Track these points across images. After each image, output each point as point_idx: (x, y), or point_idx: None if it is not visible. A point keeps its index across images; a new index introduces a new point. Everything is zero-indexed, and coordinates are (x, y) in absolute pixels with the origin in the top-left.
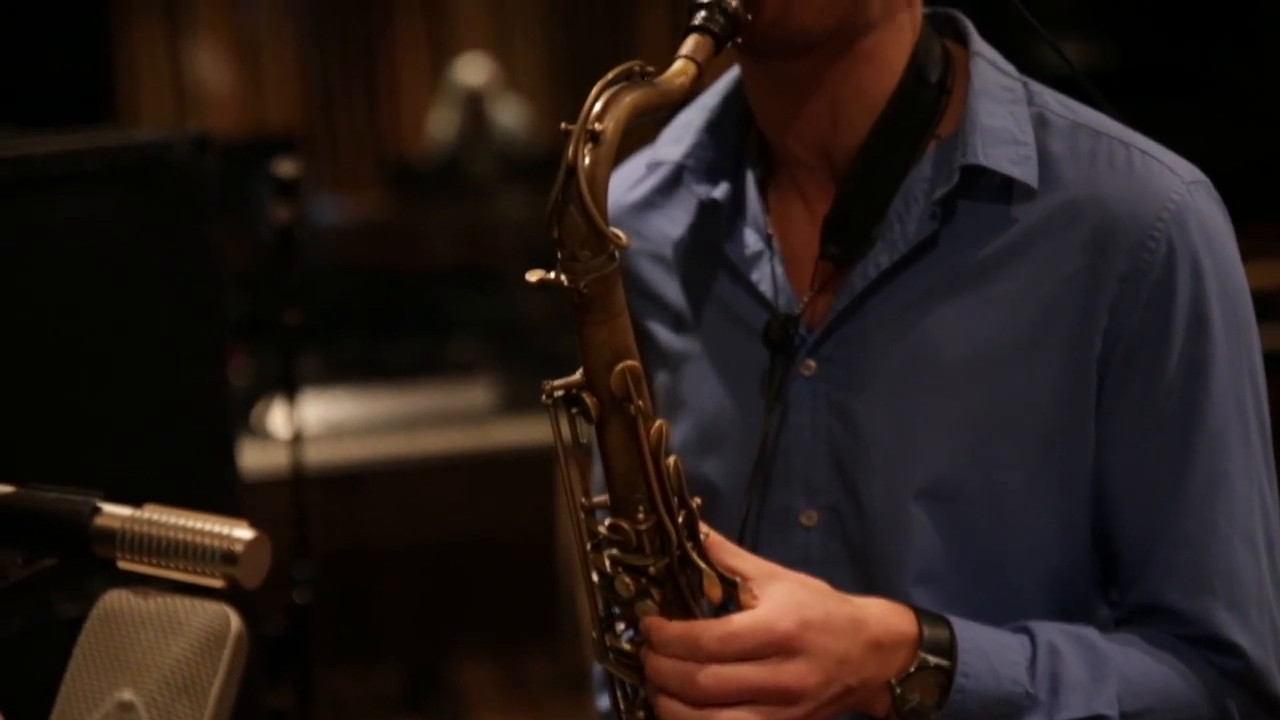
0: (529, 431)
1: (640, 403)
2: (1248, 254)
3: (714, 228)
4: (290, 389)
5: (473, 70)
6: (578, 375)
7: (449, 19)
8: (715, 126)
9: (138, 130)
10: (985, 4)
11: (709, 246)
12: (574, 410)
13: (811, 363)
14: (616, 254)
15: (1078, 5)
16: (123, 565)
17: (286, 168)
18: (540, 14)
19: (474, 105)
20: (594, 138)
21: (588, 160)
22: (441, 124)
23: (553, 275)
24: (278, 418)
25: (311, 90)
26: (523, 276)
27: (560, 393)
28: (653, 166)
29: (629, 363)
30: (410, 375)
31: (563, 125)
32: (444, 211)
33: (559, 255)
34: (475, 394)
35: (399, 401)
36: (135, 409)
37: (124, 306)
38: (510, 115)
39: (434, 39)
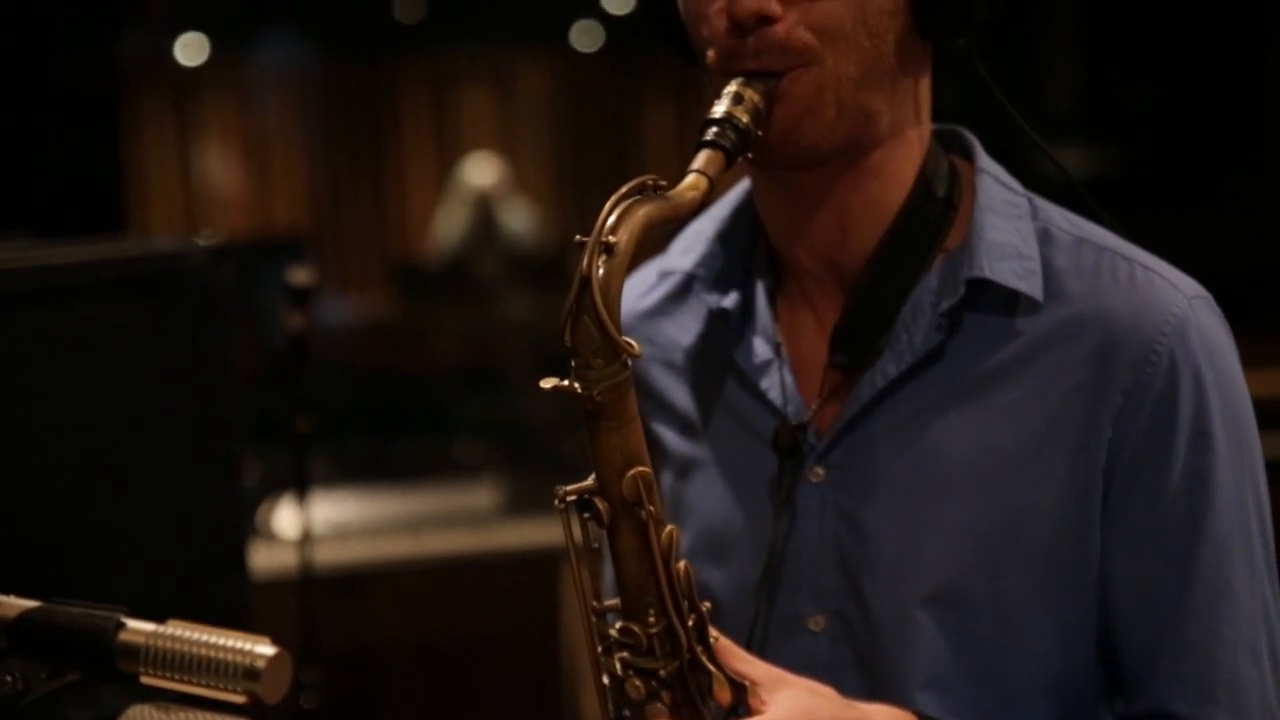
0: (533, 533)
1: (651, 508)
2: (1249, 363)
3: (724, 336)
4: (301, 494)
5: (480, 171)
6: (590, 480)
7: (456, 121)
8: (726, 236)
9: (156, 239)
10: (986, 113)
11: (719, 354)
12: (586, 515)
13: (820, 470)
14: (629, 362)
15: (1079, 113)
16: (145, 680)
17: (301, 275)
18: (547, 117)
19: (481, 206)
20: (608, 249)
21: (601, 271)
22: (448, 225)
23: (566, 383)
24: (284, 518)
25: (319, 191)
26: (528, 378)
27: (572, 497)
28: (664, 275)
29: (640, 469)
30: (415, 476)
31: (577, 237)
32: (450, 312)
33: (572, 363)
34: (480, 496)
35: (404, 503)
36: (151, 517)
37: (141, 415)
38: (517, 217)
39: (441, 140)
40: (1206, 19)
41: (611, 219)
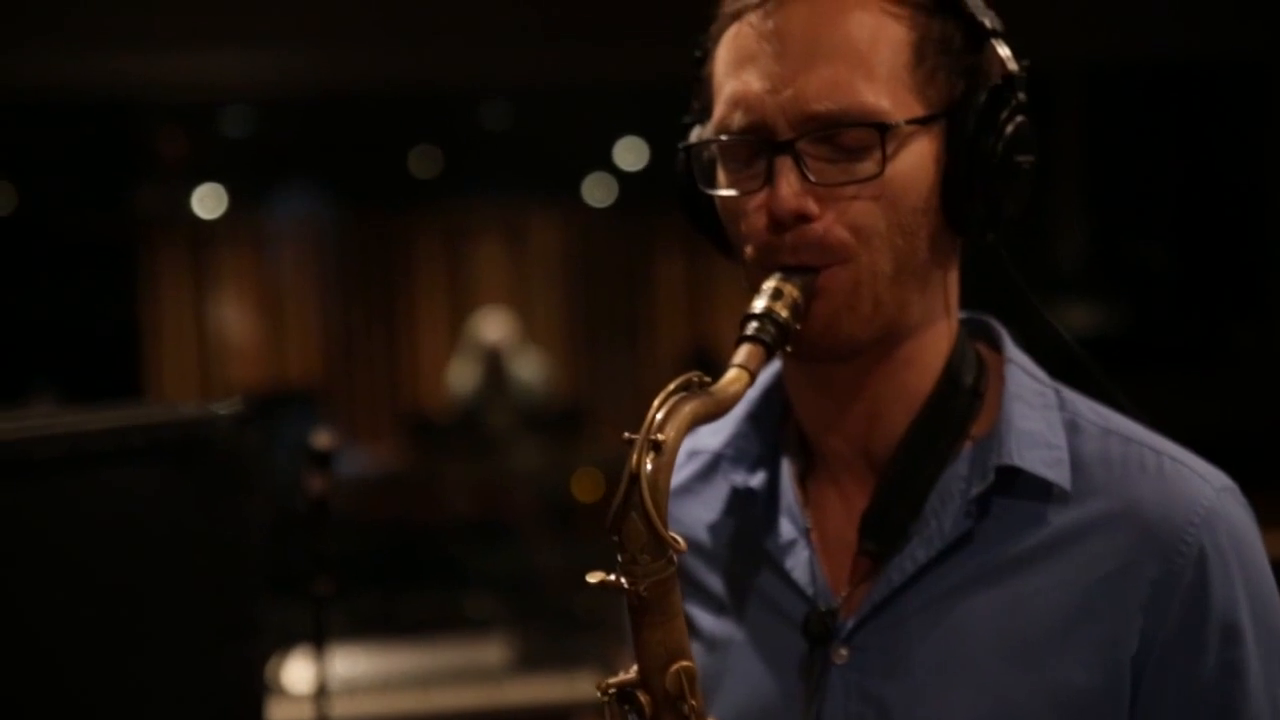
0: (545, 690)
1: (694, 702)
2: (1262, 523)
3: (751, 516)
4: (319, 653)
5: (490, 325)
6: (632, 673)
7: (470, 273)
8: (755, 417)
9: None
10: (987, 274)
11: (745, 534)
12: (627, 708)
13: (844, 651)
14: (675, 559)
15: (1087, 271)
16: None
17: (323, 439)
18: (559, 269)
19: (491, 360)
20: (656, 447)
21: (650, 468)
22: (460, 378)
23: (612, 577)
24: (295, 673)
25: (332, 341)
26: (539, 531)
27: (614, 690)
28: (692, 454)
29: (684, 663)
30: (425, 630)
31: (625, 435)
32: (461, 464)
33: (619, 558)
34: (491, 651)
35: (414, 658)
36: (170, 678)
37: (162, 578)
38: (528, 369)
39: (455, 292)
40: (1212, 179)
41: (659, 416)
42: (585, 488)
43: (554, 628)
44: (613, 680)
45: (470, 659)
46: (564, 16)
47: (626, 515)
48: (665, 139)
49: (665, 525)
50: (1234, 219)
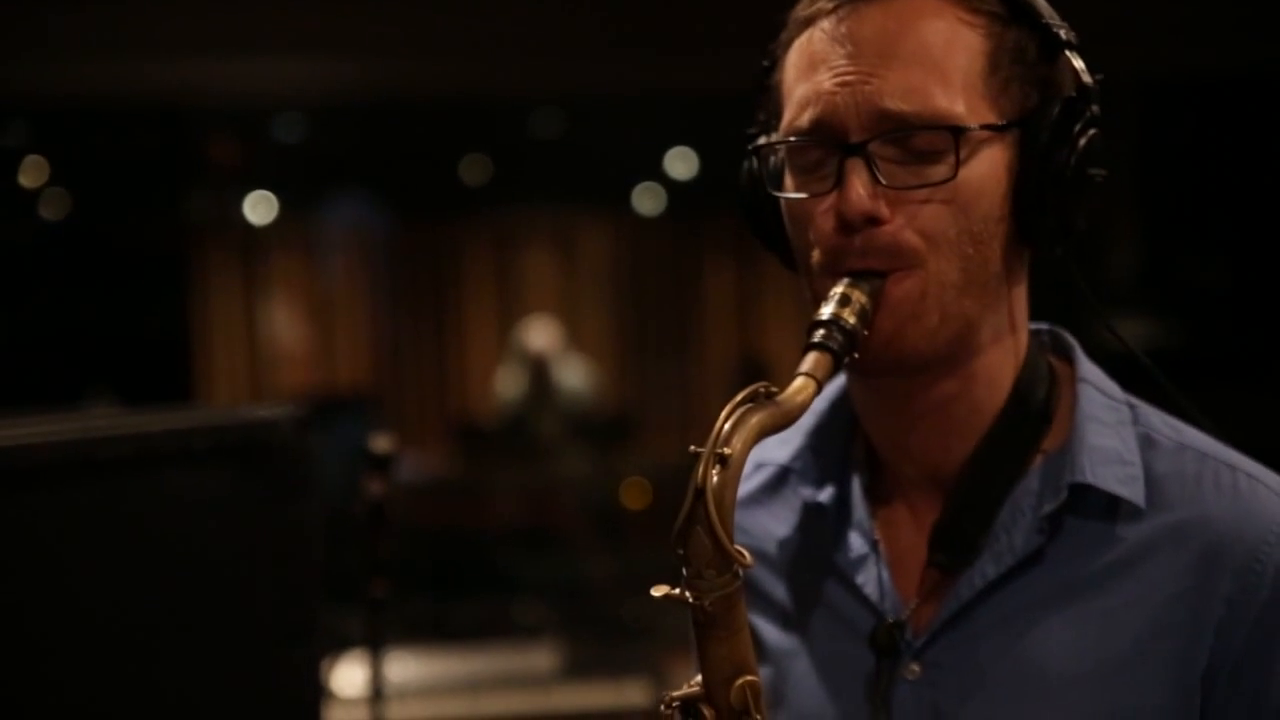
0: (593, 696)
1: (759, 717)
2: None
3: (819, 530)
4: (375, 658)
5: (535, 333)
6: (696, 686)
7: (518, 281)
8: (822, 431)
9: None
10: (1049, 281)
11: (814, 548)
12: None
13: (916, 667)
14: (740, 573)
15: (1143, 286)
16: None
17: (382, 443)
18: (608, 278)
19: (539, 367)
20: (722, 460)
21: (716, 481)
22: (508, 385)
23: (678, 591)
24: (346, 677)
25: (381, 348)
26: (587, 538)
27: (678, 703)
28: (760, 466)
29: (749, 678)
30: (475, 636)
31: (691, 448)
32: (509, 471)
33: (684, 572)
34: (539, 657)
35: (463, 664)
36: (228, 685)
37: (223, 581)
38: (575, 376)
39: (503, 300)
40: (1269, 194)
41: (726, 428)
42: (634, 496)
43: (602, 635)
44: (677, 694)
45: (519, 665)
46: (616, 26)
47: (692, 529)
48: (715, 149)
49: (731, 540)
50: None
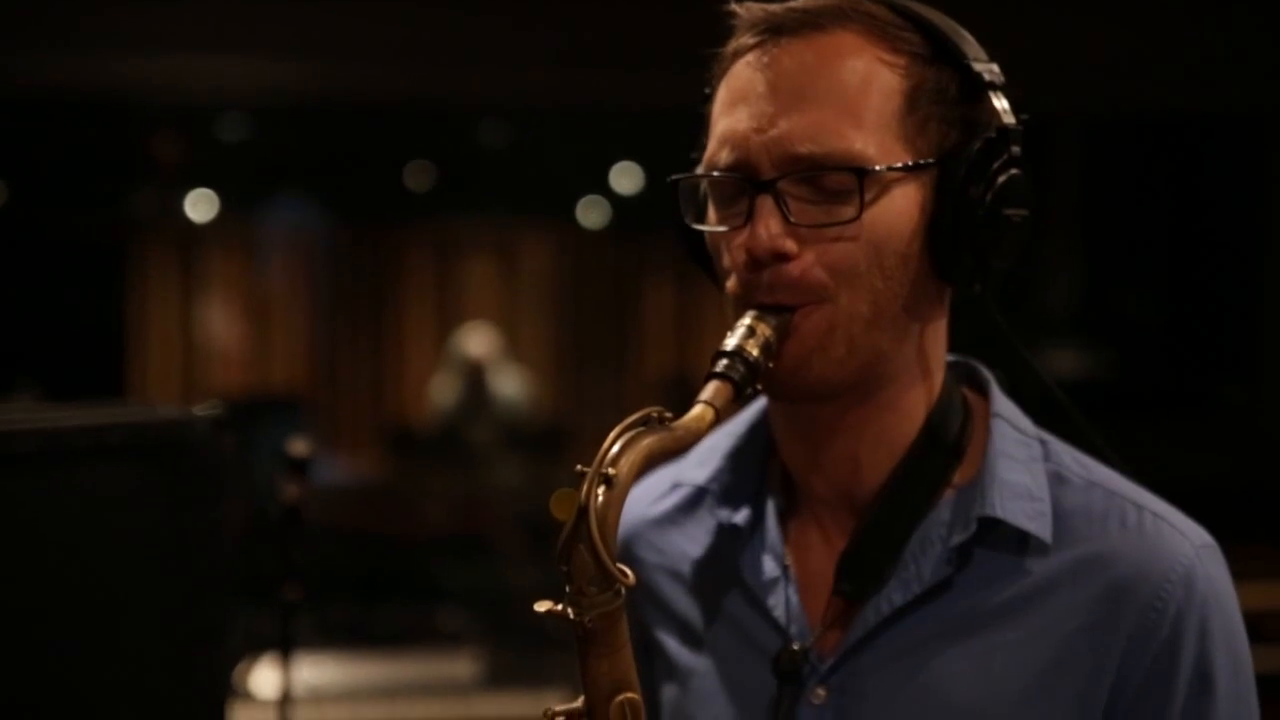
0: (513, 706)
1: None
2: (1241, 575)
3: (732, 551)
4: (285, 659)
5: (475, 340)
6: (578, 702)
7: (459, 290)
8: (740, 453)
9: (160, 407)
10: (976, 320)
11: (726, 569)
12: None
13: (821, 691)
14: (622, 591)
15: (1078, 317)
16: None
17: (299, 447)
18: (549, 290)
19: (475, 375)
20: (607, 480)
21: (600, 501)
22: (443, 391)
23: (560, 607)
24: (262, 679)
25: (317, 350)
26: (516, 547)
27: (560, 718)
28: (676, 485)
29: (629, 695)
30: (396, 642)
31: (578, 467)
32: (440, 478)
33: (567, 589)
34: (460, 665)
35: (384, 669)
36: (135, 683)
37: (133, 578)
38: (511, 385)
39: (443, 308)
40: (1205, 233)
41: (614, 449)
42: (564, 507)
43: (525, 645)
44: (559, 708)
45: (440, 672)
46: (565, 40)
47: (575, 547)
48: (661, 165)
49: (613, 559)
50: (1225, 271)
